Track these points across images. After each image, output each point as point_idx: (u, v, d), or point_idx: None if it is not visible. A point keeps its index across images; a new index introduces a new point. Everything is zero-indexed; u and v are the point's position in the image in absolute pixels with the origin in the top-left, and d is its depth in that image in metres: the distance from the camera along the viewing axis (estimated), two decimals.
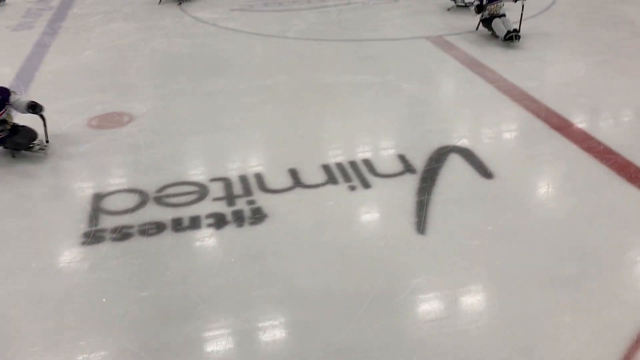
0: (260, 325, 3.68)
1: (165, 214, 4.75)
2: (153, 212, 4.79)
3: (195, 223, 4.64)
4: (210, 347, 3.54)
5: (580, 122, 6.19)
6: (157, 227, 4.59)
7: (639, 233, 4.41)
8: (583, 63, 7.86)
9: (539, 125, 6.11)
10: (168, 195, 5.01)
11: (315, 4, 10.97)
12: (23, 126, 5.68)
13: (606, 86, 7.09)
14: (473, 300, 3.90)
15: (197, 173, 5.39)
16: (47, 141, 5.63)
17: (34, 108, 5.50)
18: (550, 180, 5.28)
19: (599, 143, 5.65)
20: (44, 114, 5.60)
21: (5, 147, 5.63)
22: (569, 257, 4.16)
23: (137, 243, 4.44)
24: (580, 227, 4.48)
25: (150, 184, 5.14)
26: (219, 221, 4.65)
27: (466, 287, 3.96)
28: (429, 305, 3.80)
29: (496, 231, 4.47)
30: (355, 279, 4.02)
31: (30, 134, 5.59)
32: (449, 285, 3.96)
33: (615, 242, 4.31)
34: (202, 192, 5.05)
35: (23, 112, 5.56)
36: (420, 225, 4.56)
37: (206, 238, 4.51)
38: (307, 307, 3.80)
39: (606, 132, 5.99)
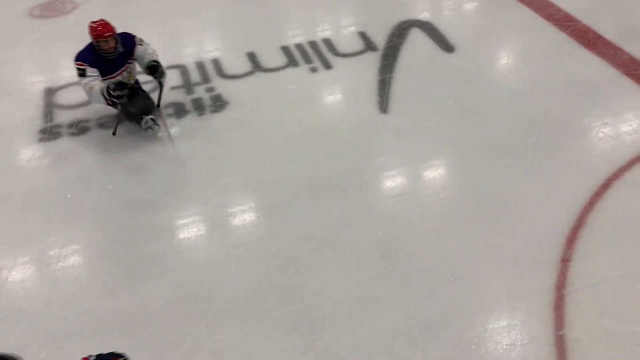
0: (229, 211, 3.74)
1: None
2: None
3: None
4: (181, 234, 3.61)
5: None
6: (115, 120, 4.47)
7: (596, 98, 4.49)
8: None
9: None
10: None
11: None
12: (143, 90, 4.38)
13: None
14: (435, 174, 4.00)
15: None
16: (158, 107, 4.36)
17: (154, 70, 4.17)
18: (511, 50, 5.26)
19: (558, 10, 5.59)
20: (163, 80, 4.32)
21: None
22: (528, 126, 4.25)
23: (97, 136, 4.35)
24: (540, 96, 4.53)
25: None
26: (179, 110, 4.56)
27: (428, 162, 4.05)
28: (392, 182, 3.89)
29: (457, 106, 4.50)
30: (320, 161, 4.05)
31: (145, 105, 4.25)
32: (411, 161, 4.03)
33: (574, 108, 4.39)
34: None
35: (142, 69, 4.28)
36: (383, 104, 4.55)
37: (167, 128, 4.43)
38: (275, 191, 3.85)
39: None
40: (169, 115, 4.50)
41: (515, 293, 3.14)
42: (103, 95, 4.01)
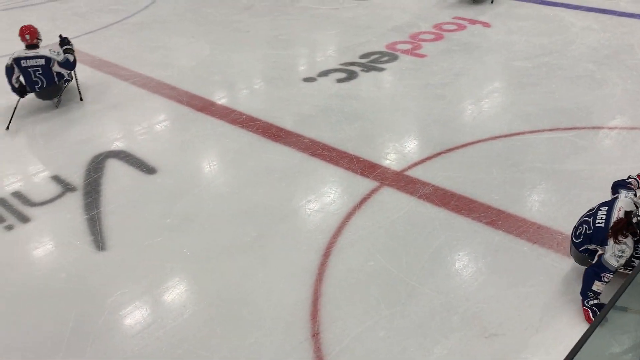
0: None
1: None
2: None
3: None
4: None
5: (220, 99, 6.58)
6: None
7: (295, 181, 4.95)
8: (204, 42, 8.33)
9: (184, 110, 6.31)
10: None
11: None
12: None
13: (229, 61, 7.66)
14: (174, 294, 3.89)
15: None
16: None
17: None
18: (210, 157, 5.52)
19: (240, 114, 6.12)
20: None
21: None
22: (247, 221, 4.45)
23: None
24: (249, 191, 4.83)
25: None
26: None
27: (164, 285, 3.93)
28: (132, 318, 3.66)
29: (175, 222, 4.52)
30: (44, 325, 3.63)
31: None
32: (147, 290, 3.87)
33: (281, 195, 4.77)
34: None
35: None
36: (99, 241, 4.32)
37: None
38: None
39: (244, 103, 6.52)
40: None
41: None
42: None
